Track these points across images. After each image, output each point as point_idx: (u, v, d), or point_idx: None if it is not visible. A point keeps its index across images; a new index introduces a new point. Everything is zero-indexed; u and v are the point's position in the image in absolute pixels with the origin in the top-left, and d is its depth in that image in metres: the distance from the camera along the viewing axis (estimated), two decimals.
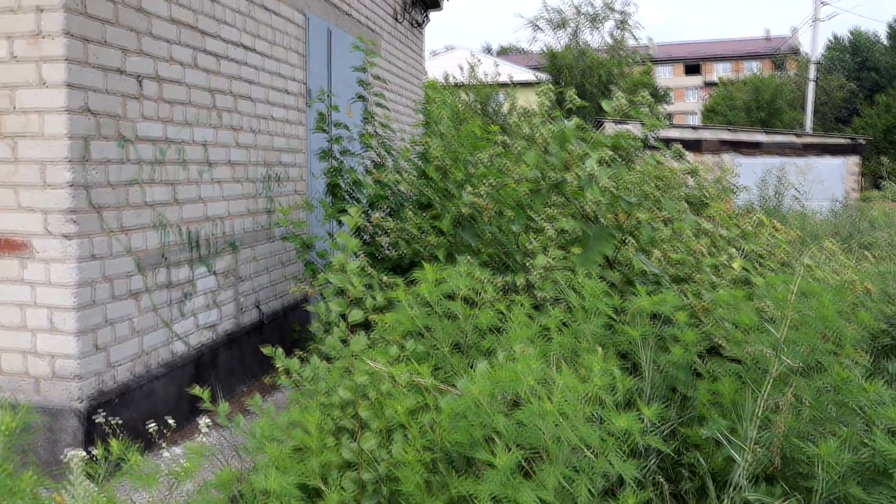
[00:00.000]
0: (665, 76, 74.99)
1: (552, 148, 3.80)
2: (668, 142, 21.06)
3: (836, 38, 70.63)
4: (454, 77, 37.26)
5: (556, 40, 41.52)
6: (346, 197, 6.47)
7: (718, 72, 75.80)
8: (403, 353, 2.83)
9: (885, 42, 70.07)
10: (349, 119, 8.08)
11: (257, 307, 6.69)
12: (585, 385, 2.07)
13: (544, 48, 41.12)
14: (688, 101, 77.32)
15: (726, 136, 22.85)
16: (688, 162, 5.33)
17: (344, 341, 2.86)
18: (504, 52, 78.32)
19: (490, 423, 2.07)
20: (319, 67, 7.96)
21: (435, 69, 37.46)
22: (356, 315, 2.74)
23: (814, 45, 35.25)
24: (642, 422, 2.33)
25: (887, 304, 4.64)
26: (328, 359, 3.33)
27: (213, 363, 5.82)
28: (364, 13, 9.55)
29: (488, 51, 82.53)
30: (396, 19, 10.99)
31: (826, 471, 2.36)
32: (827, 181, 20.93)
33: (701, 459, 2.54)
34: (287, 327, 7.27)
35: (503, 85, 38.73)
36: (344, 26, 8.70)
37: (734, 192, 12.44)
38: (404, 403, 2.32)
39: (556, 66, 38.85)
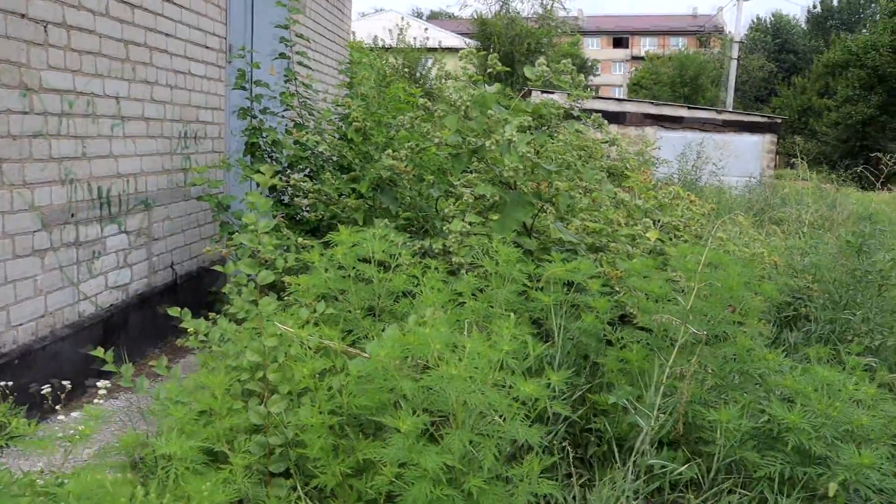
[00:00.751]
0: (593, 48, 75.67)
1: (472, 113, 3.77)
2: (592, 113, 21.24)
3: (758, 19, 72.52)
4: (383, 40, 36.77)
5: (487, 7, 41.34)
6: (265, 157, 6.32)
7: (645, 46, 76.90)
8: (313, 316, 2.78)
9: (804, 26, 72.37)
10: (272, 78, 7.86)
11: (171, 268, 6.51)
12: (494, 350, 2.06)
13: (474, 14, 40.92)
14: (614, 73, 78.30)
15: (650, 109, 23.25)
16: (607, 132, 5.38)
17: (255, 303, 2.79)
18: (435, 17, 77.70)
19: (397, 388, 2.05)
20: (241, 23, 7.72)
21: (363, 32, 36.83)
22: (265, 276, 2.68)
23: (737, 25, 36.06)
24: (551, 388, 2.35)
25: (792, 278, 4.81)
26: (240, 321, 3.25)
27: (123, 325, 5.64)
28: None
29: (418, 15, 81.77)
30: None
31: (725, 436, 2.42)
32: (744, 158, 21.52)
33: (607, 426, 2.58)
34: (203, 289, 7.10)
35: (431, 50, 38.43)
36: None
37: (654, 165, 12.67)
38: (310, 366, 2.28)
39: (486, 33, 38.72)
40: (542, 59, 4.13)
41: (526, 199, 3.91)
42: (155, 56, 5.97)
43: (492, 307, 2.89)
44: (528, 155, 3.63)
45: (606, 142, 5.76)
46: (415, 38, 38.16)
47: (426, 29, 39.37)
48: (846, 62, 40.84)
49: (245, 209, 6.20)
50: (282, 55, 6.40)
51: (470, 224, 3.64)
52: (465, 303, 2.84)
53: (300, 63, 6.53)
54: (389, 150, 4.51)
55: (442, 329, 2.14)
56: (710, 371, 2.64)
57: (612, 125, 23.29)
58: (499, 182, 3.93)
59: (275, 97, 6.50)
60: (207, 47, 6.94)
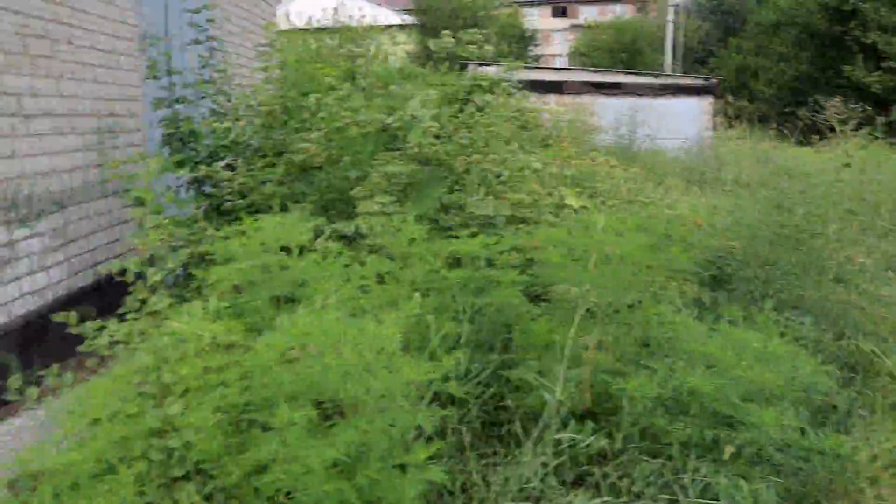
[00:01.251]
0: (533, 18, 75.52)
1: (377, 91, 3.67)
2: (532, 84, 21.09)
3: None
4: (317, 20, 36.17)
5: None
6: (185, 148, 6.14)
7: (585, 15, 77.00)
8: (216, 309, 2.67)
9: None
10: (192, 65, 7.64)
11: (95, 269, 6.30)
12: (383, 333, 1.99)
13: None
14: (556, 43, 78.34)
15: (588, 77, 23.24)
16: (528, 103, 5.32)
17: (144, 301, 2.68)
18: None
19: (276, 381, 1.96)
20: (155, 10, 7.46)
21: (298, 13, 36.19)
22: (153, 274, 2.56)
23: None
24: (460, 368, 2.28)
25: (712, 237, 4.81)
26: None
27: (42, 332, 5.44)
28: None
29: None
30: None
31: (634, 404, 2.39)
32: (682, 121, 21.65)
33: (512, 402, 2.53)
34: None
35: (369, 28, 37.91)
36: None
37: (590, 133, 12.65)
38: (196, 364, 2.18)
39: (422, 9, 38.43)
40: (445, 31, 4.04)
41: (439, 174, 3.82)
42: (60, 48, 5.73)
43: (401, 288, 2.81)
44: (433, 129, 3.55)
45: (531, 112, 5.70)
46: (350, 17, 37.63)
47: (360, 8, 38.87)
48: (778, 21, 41.40)
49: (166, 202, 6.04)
50: (195, 41, 6.19)
51: (381, 204, 3.56)
52: (369, 286, 2.76)
53: (214, 48, 6.33)
54: (302, 134, 4.38)
55: (331, 317, 2.05)
56: (615, 339, 2.60)
57: (551, 95, 23.35)
58: (417, 159, 3.84)
59: (192, 85, 6.31)
60: (118, 37, 6.69)
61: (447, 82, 4.09)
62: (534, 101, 23.30)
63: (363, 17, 38.83)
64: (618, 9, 70.66)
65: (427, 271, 2.91)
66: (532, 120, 13.23)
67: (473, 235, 3.12)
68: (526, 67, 23.58)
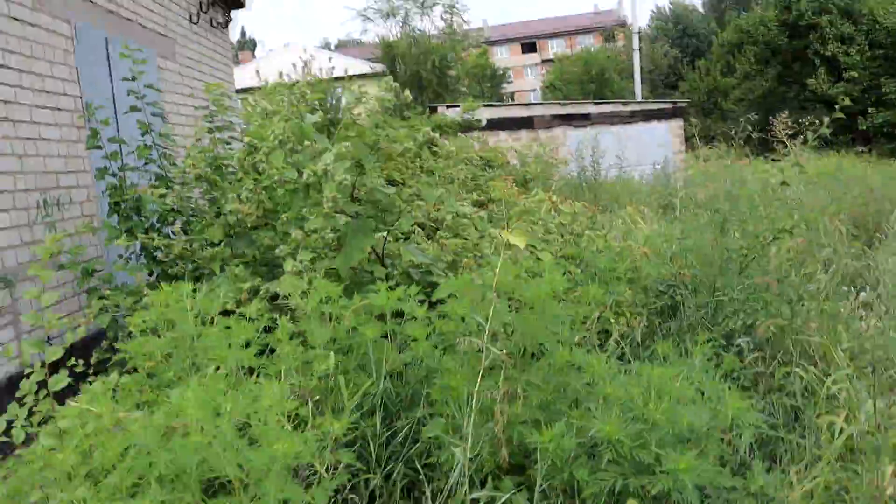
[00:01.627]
0: (503, 56, 76.44)
1: (297, 146, 3.63)
2: (502, 122, 21.11)
3: (658, 8, 74.39)
4: (288, 76, 36.48)
5: (388, 29, 41.42)
6: (132, 216, 6.06)
7: (553, 48, 78.04)
8: (109, 386, 2.58)
9: (702, 10, 74.49)
10: (138, 132, 7.60)
11: (49, 342, 6.17)
12: (264, 403, 1.90)
13: (377, 38, 40.94)
14: (527, 78, 79.24)
15: (557, 110, 23.42)
16: (482, 143, 5.28)
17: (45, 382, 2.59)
18: (342, 46, 77.66)
19: (148, 462, 1.88)
20: (99, 79, 7.45)
21: (271, 68, 36.49)
22: (51, 353, 2.48)
23: (634, 16, 36.73)
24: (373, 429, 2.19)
25: (663, 265, 4.75)
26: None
27: None
28: (152, 18, 9.04)
29: (327, 46, 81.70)
30: (192, 21, 10.50)
31: (551, 457, 2.30)
32: (652, 146, 21.76)
33: (418, 462, 2.44)
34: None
35: (339, 79, 38.27)
36: (128, 33, 8.19)
37: (556, 166, 12.67)
38: (79, 447, 2.09)
39: (391, 56, 38.80)
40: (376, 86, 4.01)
41: (369, 226, 3.76)
42: None
43: (312, 349, 2.73)
44: (346, 182, 3.49)
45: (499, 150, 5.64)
46: (321, 69, 37.92)
47: (330, 58, 39.22)
48: (740, 40, 42.10)
49: (114, 272, 5.95)
50: (133, 108, 6.15)
51: (301, 262, 3.48)
52: (280, 349, 2.68)
53: (155, 114, 6.30)
54: (232, 195, 4.33)
55: (214, 388, 1.97)
56: (528, 388, 2.52)
57: (522, 130, 23.53)
58: (334, 213, 3.78)
59: (133, 153, 6.25)
60: (60, 109, 6.66)
61: (414, 125, 4.07)
62: (505, 138, 23.52)
63: (332, 67, 39.17)
64: (586, 40, 71.70)
65: (342, 330, 2.84)
66: (496, 158, 13.29)
67: (394, 287, 3.04)
68: (493, 105, 23.82)
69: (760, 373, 3.85)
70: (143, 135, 6.27)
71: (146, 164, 6.22)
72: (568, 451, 2.28)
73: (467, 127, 22.30)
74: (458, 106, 23.66)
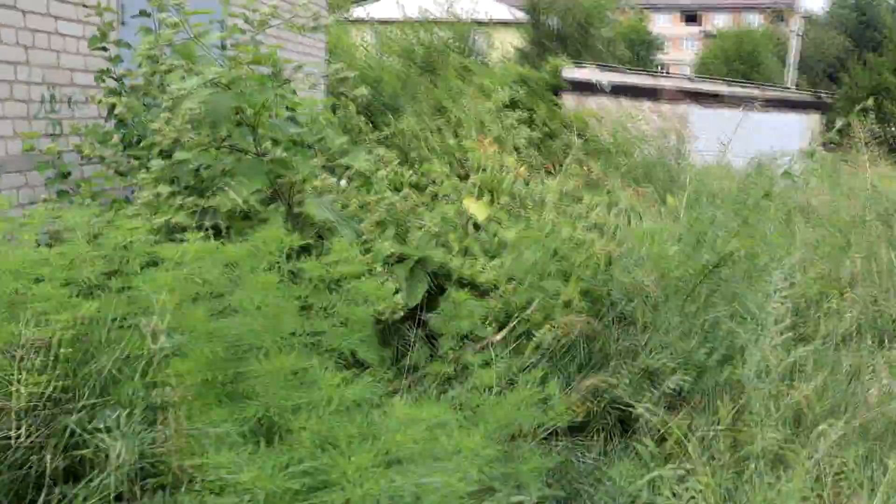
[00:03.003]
0: (663, 23, 73.16)
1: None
2: (625, 89, 20.10)
3: None
4: (429, 12, 36.03)
5: None
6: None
7: (717, 22, 73.98)
8: None
9: (892, 2, 68.19)
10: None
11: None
12: None
13: None
14: (684, 50, 75.66)
15: (686, 85, 22.05)
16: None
17: None
18: None
19: None
20: None
21: (413, 4, 36.26)
22: None
23: None
24: None
25: (631, 271, 4.07)
26: None
27: None
28: None
29: None
30: None
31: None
32: (779, 136, 20.06)
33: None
34: None
35: (480, 22, 37.80)
36: None
37: (640, 142, 11.72)
38: None
39: (535, 5, 37.66)
40: None
41: (259, 166, 3.34)
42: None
43: None
44: (190, 110, 3.05)
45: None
46: (463, 10, 37.29)
47: (475, 2, 38.53)
48: None
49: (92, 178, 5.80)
50: (142, 12, 5.90)
51: (159, 196, 3.10)
52: None
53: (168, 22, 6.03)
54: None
55: None
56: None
57: (645, 101, 22.32)
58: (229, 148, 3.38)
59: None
60: (85, 6, 6.51)
61: None
62: (626, 106, 22.41)
63: (475, 10, 38.56)
64: (751, 17, 67.54)
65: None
66: (577, 120, 12.43)
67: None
68: (618, 70, 22.63)
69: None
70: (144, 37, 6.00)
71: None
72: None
73: (581, 87, 21.35)
74: (583, 66, 22.69)
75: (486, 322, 3.80)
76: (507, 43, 39.28)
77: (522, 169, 4.38)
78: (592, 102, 21.88)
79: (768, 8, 66.35)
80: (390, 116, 13.81)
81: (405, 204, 3.94)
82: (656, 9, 71.92)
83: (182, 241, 2.48)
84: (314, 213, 3.54)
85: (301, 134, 3.50)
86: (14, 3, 5.72)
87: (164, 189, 3.16)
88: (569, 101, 21.58)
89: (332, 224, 3.58)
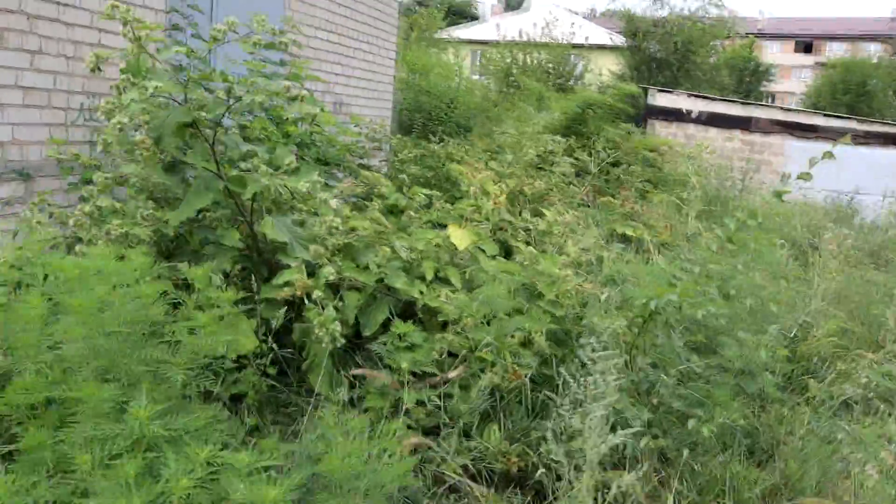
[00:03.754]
0: (774, 51, 70.87)
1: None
2: (715, 117, 19.49)
3: None
4: (527, 35, 35.99)
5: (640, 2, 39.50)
6: None
7: (833, 51, 71.12)
8: None
9: None
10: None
11: None
12: None
13: (622, 9, 39.19)
14: (795, 80, 73.02)
15: (779, 115, 21.19)
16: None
17: None
18: (605, 15, 75.64)
19: None
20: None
21: (514, 26, 36.33)
22: None
23: None
24: None
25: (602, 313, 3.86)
26: None
27: None
28: None
29: (592, 13, 79.85)
30: None
31: None
32: (881, 174, 18.92)
33: None
34: None
35: (577, 46, 37.59)
36: None
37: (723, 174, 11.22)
38: None
39: (633, 30, 37.05)
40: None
41: (211, 185, 3.36)
42: (39, 25, 5.86)
43: None
44: (126, 126, 3.08)
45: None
46: (563, 34, 37.12)
47: (573, 24, 38.26)
48: None
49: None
50: (175, 27, 6.09)
51: (99, 208, 3.15)
52: None
53: (195, 36, 6.19)
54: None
55: None
56: None
57: (735, 130, 21.57)
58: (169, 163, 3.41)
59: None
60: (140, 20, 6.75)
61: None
62: (715, 136, 21.74)
63: (573, 34, 38.28)
64: (871, 47, 64.57)
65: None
66: (642, 147, 12.02)
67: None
68: (706, 98, 21.89)
69: None
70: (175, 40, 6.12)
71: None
72: None
73: (668, 114, 20.85)
74: (670, 91, 22.14)
75: (441, 356, 3.71)
76: (605, 67, 38.82)
77: (502, 198, 4.23)
78: (679, 130, 21.35)
79: (889, 37, 63.30)
80: (463, 135, 13.82)
81: (377, 228, 3.88)
82: (770, 37, 69.84)
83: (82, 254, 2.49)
84: (268, 232, 3.53)
85: (250, 151, 3.50)
86: (58, 16, 5.99)
87: (106, 202, 3.21)
88: (655, 128, 21.12)
89: (286, 245, 3.55)
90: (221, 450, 1.89)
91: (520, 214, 4.67)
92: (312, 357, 3.60)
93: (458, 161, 5.95)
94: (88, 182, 5.86)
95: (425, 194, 4.58)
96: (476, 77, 31.73)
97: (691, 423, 3.39)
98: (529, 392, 3.50)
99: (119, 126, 3.31)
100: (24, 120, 5.83)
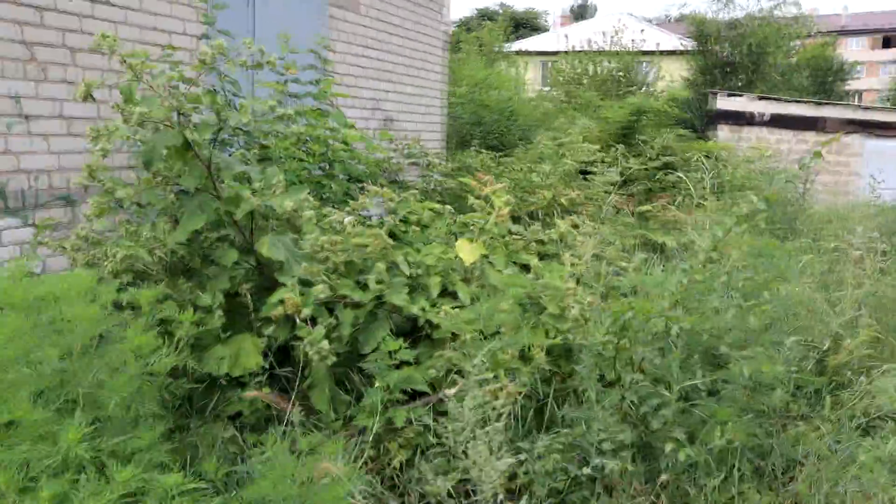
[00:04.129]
0: (855, 48, 68.27)
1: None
2: (785, 119, 18.87)
3: None
4: (595, 44, 35.68)
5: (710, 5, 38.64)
6: None
7: None
8: None
9: None
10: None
11: None
12: None
13: (693, 13, 38.43)
14: (882, 77, 70.13)
15: (852, 114, 20.42)
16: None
17: None
18: (677, 20, 74.29)
19: None
20: (236, 15, 7.59)
21: (582, 34, 36.06)
22: None
23: None
24: None
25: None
26: None
27: None
28: None
29: (667, 18, 78.46)
30: None
31: None
32: None
33: None
34: None
35: (647, 53, 37.10)
36: None
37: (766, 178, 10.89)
38: None
39: (703, 34, 36.30)
40: None
41: (207, 204, 3.45)
42: (79, 57, 6.12)
43: None
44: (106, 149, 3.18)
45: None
46: (632, 41, 36.68)
47: (642, 31, 37.80)
48: None
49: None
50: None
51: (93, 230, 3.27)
52: None
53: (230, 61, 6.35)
54: None
55: None
56: None
57: (809, 132, 20.83)
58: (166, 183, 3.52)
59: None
60: (174, 46, 6.97)
61: None
62: (788, 138, 21.02)
63: (643, 41, 37.78)
64: None
65: None
66: (696, 151, 11.72)
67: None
68: (775, 99, 21.20)
69: None
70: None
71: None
72: None
73: (737, 118, 20.27)
74: (739, 95, 21.56)
75: (440, 374, 3.71)
76: (676, 73, 38.13)
77: (506, 210, 4.19)
78: (750, 134, 20.73)
79: None
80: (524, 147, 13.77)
81: (376, 243, 3.91)
82: (849, 33, 67.42)
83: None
84: (264, 251, 3.60)
85: (246, 171, 3.58)
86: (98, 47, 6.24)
87: (102, 224, 3.34)
88: (722, 132, 20.59)
89: (283, 264, 3.61)
90: (161, 471, 1.93)
91: (529, 226, 4.62)
92: (312, 375, 3.64)
93: (473, 173, 5.92)
94: (122, 206, 6.13)
95: (433, 210, 4.58)
96: (545, 89, 31.57)
97: (668, 447, 3.29)
98: (520, 409, 3.45)
99: (103, 152, 3.43)
100: (68, 148, 6.09)
